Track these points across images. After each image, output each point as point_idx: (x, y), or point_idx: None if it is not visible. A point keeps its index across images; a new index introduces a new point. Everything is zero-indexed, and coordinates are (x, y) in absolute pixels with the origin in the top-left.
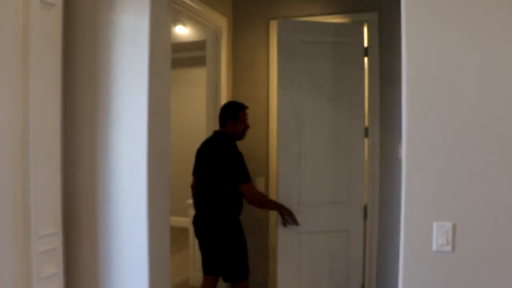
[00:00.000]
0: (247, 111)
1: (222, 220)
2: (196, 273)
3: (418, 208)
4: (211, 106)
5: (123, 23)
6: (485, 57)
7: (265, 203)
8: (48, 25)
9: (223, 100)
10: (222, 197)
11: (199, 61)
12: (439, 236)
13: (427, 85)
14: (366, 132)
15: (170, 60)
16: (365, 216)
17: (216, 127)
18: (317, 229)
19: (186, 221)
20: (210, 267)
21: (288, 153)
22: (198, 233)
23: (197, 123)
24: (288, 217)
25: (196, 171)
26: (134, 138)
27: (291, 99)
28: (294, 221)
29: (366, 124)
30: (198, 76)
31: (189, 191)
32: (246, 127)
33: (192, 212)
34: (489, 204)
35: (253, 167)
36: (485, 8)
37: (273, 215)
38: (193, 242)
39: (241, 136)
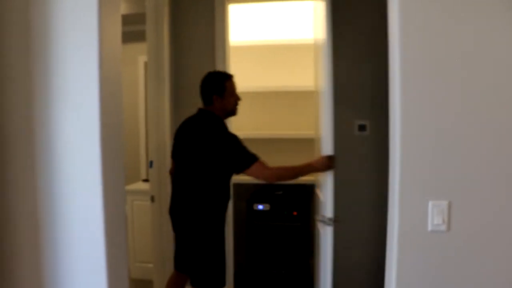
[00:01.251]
0: (234, 80)
1: (201, 215)
2: (137, 264)
3: (414, 187)
4: (153, 81)
5: None
6: (479, 33)
7: (290, 173)
8: None
9: (166, 76)
10: (205, 189)
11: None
12: (434, 215)
13: (422, 64)
14: None
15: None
16: None
17: (163, 107)
18: None
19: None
20: (181, 264)
21: None
22: (173, 226)
23: (131, 102)
24: (329, 163)
25: (175, 155)
26: (83, 118)
27: None
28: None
29: None
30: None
31: (135, 174)
32: (237, 99)
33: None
34: (484, 182)
35: None
36: None
37: None
38: (133, 231)
39: (233, 111)
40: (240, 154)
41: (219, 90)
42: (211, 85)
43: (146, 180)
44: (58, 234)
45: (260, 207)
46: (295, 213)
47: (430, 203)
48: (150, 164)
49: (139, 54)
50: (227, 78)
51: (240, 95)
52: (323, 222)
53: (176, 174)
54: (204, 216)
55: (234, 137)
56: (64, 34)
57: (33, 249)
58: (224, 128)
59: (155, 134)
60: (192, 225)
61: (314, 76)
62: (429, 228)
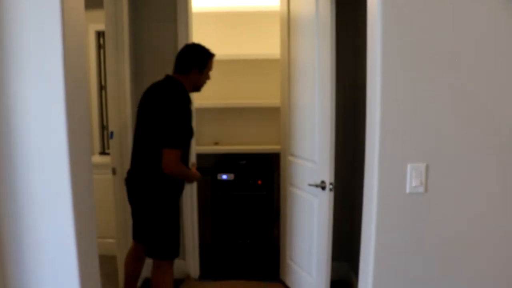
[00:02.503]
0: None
1: (153, 184)
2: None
3: (393, 150)
4: (111, 49)
5: None
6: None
7: (183, 176)
8: None
9: (125, 44)
10: (157, 157)
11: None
12: (413, 177)
13: (403, 28)
14: None
15: None
16: None
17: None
18: None
19: None
20: (137, 234)
21: None
22: (128, 194)
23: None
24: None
25: (136, 122)
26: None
27: None
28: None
29: None
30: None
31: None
32: (208, 78)
33: None
34: (461, 145)
35: None
36: None
37: None
38: None
39: (199, 88)
40: (170, 131)
41: (201, 64)
42: (195, 57)
43: (103, 153)
44: (20, 209)
45: (224, 177)
46: (259, 182)
47: (409, 166)
48: (111, 135)
49: (90, 23)
50: (211, 56)
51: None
52: (321, 187)
53: (134, 140)
54: (156, 185)
55: (186, 115)
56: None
57: None
58: (183, 99)
59: (116, 105)
60: (144, 194)
61: (280, 45)
62: (407, 190)
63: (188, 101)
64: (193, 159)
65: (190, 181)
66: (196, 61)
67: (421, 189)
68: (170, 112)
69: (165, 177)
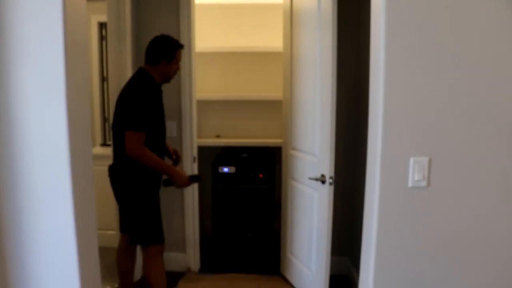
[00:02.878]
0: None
1: (127, 170)
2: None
3: (396, 143)
4: (114, 41)
5: None
6: None
7: (152, 162)
8: None
9: (128, 36)
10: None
11: None
12: (415, 171)
13: (407, 21)
14: None
15: None
16: None
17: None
18: None
19: None
20: (122, 224)
21: None
22: (111, 185)
23: None
24: (179, 181)
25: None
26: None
27: None
28: (181, 186)
29: None
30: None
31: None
32: (177, 69)
33: None
34: (464, 140)
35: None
36: None
37: None
38: None
39: (170, 79)
40: (131, 114)
41: (169, 55)
42: (163, 48)
43: (104, 145)
44: (21, 203)
45: (226, 169)
46: (261, 175)
47: (412, 160)
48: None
49: (92, 13)
50: (179, 47)
51: (206, 56)
52: (321, 181)
53: (113, 132)
54: (129, 173)
55: (145, 99)
56: None
57: None
58: (148, 87)
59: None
60: (121, 183)
61: (283, 38)
62: (410, 184)
63: (155, 90)
64: (193, 152)
65: (164, 171)
66: (164, 52)
67: (424, 183)
68: (132, 97)
69: (136, 164)
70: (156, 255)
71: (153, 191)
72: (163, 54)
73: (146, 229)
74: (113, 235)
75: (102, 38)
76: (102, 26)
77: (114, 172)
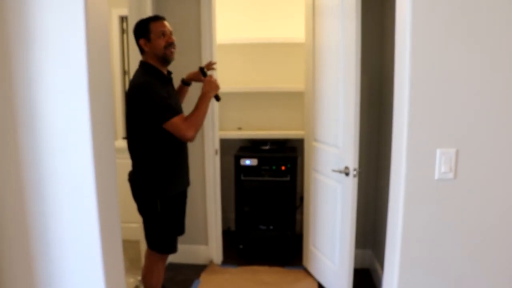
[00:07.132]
0: (166, 22)
1: (147, 178)
2: (122, 225)
3: (422, 135)
4: None
5: None
6: None
7: (201, 116)
8: None
9: None
10: (138, 148)
11: None
12: (442, 163)
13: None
14: None
15: None
16: None
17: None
18: None
19: None
20: None
21: None
22: (131, 190)
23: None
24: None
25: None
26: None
27: None
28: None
29: None
30: None
31: None
32: (168, 42)
33: None
34: (492, 131)
35: None
36: None
37: None
38: None
39: (166, 57)
40: (157, 106)
41: (144, 33)
42: (137, 29)
43: (126, 138)
44: (45, 195)
45: (248, 162)
46: (283, 167)
47: (438, 151)
48: None
49: (113, 7)
50: (152, 19)
51: (226, 48)
52: (344, 173)
53: (127, 136)
54: (147, 181)
55: (151, 88)
56: None
57: (20, 210)
58: (145, 77)
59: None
60: (137, 188)
61: (305, 29)
62: (436, 176)
63: (157, 75)
64: (215, 145)
65: (207, 102)
66: (139, 32)
67: (451, 175)
68: (138, 92)
69: (153, 171)
70: (157, 260)
71: (168, 201)
72: (138, 35)
73: (152, 234)
74: (136, 228)
75: (123, 31)
76: (123, 19)
77: (133, 178)
